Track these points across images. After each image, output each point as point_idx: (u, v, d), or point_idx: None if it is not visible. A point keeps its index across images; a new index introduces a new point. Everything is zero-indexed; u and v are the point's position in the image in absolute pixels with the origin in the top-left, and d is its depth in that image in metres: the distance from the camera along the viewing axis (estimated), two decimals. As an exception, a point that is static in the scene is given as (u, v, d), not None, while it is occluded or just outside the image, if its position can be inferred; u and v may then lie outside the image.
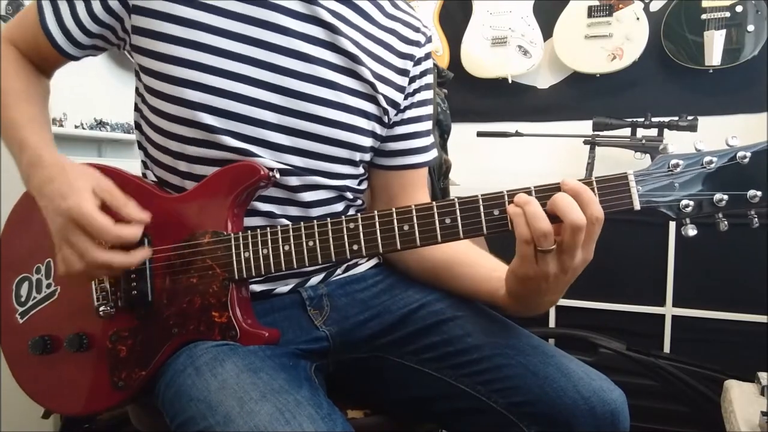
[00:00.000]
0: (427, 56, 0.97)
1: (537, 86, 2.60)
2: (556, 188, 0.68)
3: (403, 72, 0.92)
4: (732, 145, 0.66)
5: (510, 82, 2.53)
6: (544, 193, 0.68)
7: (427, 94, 0.98)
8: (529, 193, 0.69)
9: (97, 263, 0.73)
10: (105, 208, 0.74)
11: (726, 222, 0.67)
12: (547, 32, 2.47)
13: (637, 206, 0.67)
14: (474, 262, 0.87)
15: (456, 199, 0.71)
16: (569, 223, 0.65)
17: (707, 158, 0.66)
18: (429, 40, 0.97)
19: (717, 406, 1.70)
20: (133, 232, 0.74)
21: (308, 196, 0.86)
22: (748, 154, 0.65)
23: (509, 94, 2.59)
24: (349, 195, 0.92)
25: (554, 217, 0.67)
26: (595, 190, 0.67)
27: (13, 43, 0.89)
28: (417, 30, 0.95)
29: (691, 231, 0.68)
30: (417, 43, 0.94)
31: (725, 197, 0.65)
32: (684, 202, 0.67)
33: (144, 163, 0.92)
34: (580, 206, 0.66)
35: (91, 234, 0.72)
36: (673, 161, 0.67)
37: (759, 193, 0.65)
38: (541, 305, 0.77)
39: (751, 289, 1.92)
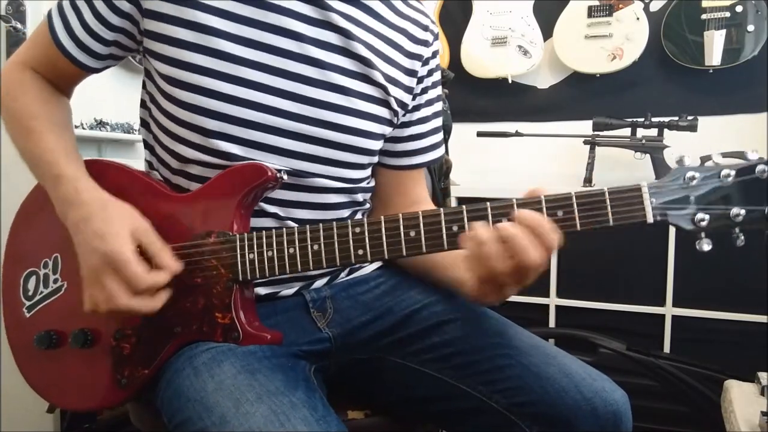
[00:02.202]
0: (434, 54, 0.96)
1: (537, 86, 2.59)
2: (537, 202, 0.67)
3: (411, 72, 0.92)
4: (751, 159, 0.64)
5: (510, 82, 2.53)
6: (528, 207, 0.67)
7: (435, 92, 0.98)
8: (510, 206, 0.67)
9: (122, 309, 0.73)
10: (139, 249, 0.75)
11: (743, 237, 0.65)
12: (547, 32, 2.47)
13: (650, 219, 0.65)
14: (452, 263, 0.85)
15: (464, 208, 0.70)
16: (520, 261, 0.64)
17: (725, 171, 0.64)
18: (436, 37, 0.97)
19: (717, 406, 1.69)
20: (164, 280, 0.75)
21: (318, 199, 0.86)
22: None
23: (509, 94, 2.59)
24: (359, 198, 0.92)
25: None
26: (608, 201, 0.66)
27: (29, 66, 0.87)
28: (426, 29, 0.95)
29: (706, 246, 0.65)
30: (425, 43, 0.94)
31: (742, 212, 0.63)
32: (699, 215, 0.64)
33: (149, 163, 0.91)
34: (537, 242, 0.64)
35: (125, 280, 0.73)
36: (689, 173, 0.65)
37: None
38: (501, 298, 0.75)
39: (751, 289, 1.92)
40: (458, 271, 0.81)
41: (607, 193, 0.66)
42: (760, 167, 0.63)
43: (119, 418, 1.60)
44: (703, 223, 0.65)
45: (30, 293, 0.88)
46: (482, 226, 0.66)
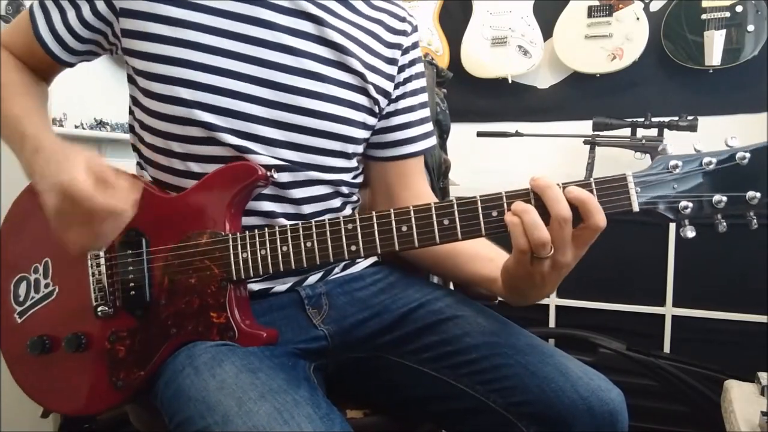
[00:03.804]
0: (415, 45, 0.98)
1: (537, 86, 2.59)
2: (525, 194, 0.69)
3: (391, 61, 0.94)
4: (731, 145, 0.66)
5: (510, 82, 2.53)
6: (517, 199, 0.69)
7: (419, 83, 0.99)
8: (527, 194, 0.69)
9: (102, 215, 0.69)
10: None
11: (725, 223, 0.66)
12: (547, 32, 2.47)
13: (636, 208, 0.67)
14: (474, 254, 0.88)
15: (454, 200, 0.71)
16: (554, 216, 0.66)
17: (706, 159, 0.65)
18: (415, 29, 0.98)
19: (717, 406, 1.69)
20: (125, 206, 0.70)
21: (303, 192, 0.86)
22: (748, 154, 0.64)
23: (509, 94, 2.59)
24: (345, 190, 0.92)
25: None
26: (594, 191, 0.67)
27: (9, 49, 0.89)
28: (403, 20, 0.96)
29: (690, 233, 0.67)
30: (404, 33, 0.96)
31: (724, 199, 0.65)
32: (683, 203, 0.66)
33: (139, 164, 0.92)
34: (583, 215, 0.66)
35: (81, 202, 0.68)
36: (672, 162, 0.66)
37: (758, 195, 0.64)
38: (536, 297, 0.78)
39: (751, 289, 1.92)
40: (483, 266, 0.84)
41: (593, 183, 0.68)
42: (739, 154, 0.65)
43: (119, 418, 1.60)
44: (687, 211, 0.66)
45: (21, 299, 0.88)
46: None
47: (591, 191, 0.67)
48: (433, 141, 1.01)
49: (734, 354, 1.94)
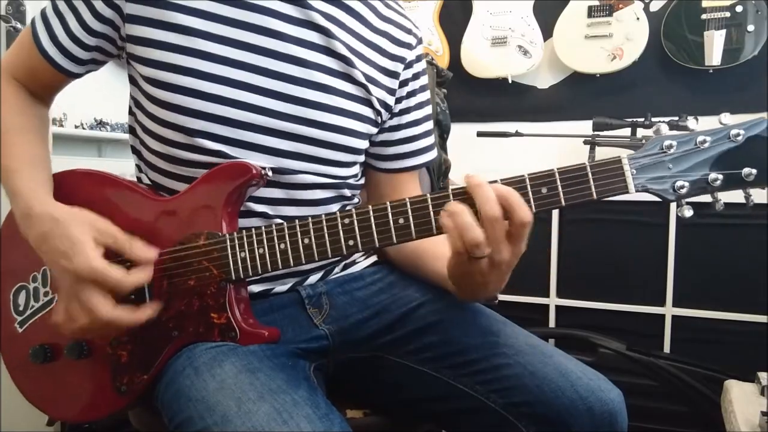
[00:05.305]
0: (419, 58, 0.97)
1: (537, 86, 2.59)
2: (521, 181, 0.68)
3: (392, 74, 0.93)
4: (725, 123, 0.65)
5: (510, 82, 2.53)
6: (511, 186, 0.68)
7: (423, 96, 0.98)
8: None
9: (104, 321, 0.73)
10: (108, 251, 0.75)
11: (722, 202, 0.66)
12: (547, 32, 2.47)
13: (632, 190, 0.66)
14: (436, 254, 0.87)
15: (450, 191, 0.70)
16: (484, 215, 0.66)
17: (701, 138, 0.65)
18: (420, 41, 0.98)
19: (717, 406, 1.70)
20: (147, 275, 0.75)
21: (306, 195, 0.86)
22: (742, 131, 0.64)
23: (509, 94, 2.59)
24: (347, 193, 0.92)
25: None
26: (589, 175, 0.67)
27: (11, 74, 0.88)
28: (409, 32, 0.95)
29: (687, 212, 0.67)
30: (408, 46, 0.95)
31: (720, 176, 0.65)
32: (679, 182, 0.66)
33: (138, 167, 0.92)
34: (507, 210, 0.66)
35: (107, 289, 0.73)
36: (667, 142, 0.66)
37: (754, 171, 0.64)
38: (483, 294, 0.78)
39: (751, 289, 1.92)
40: (443, 264, 0.83)
41: (588, 167, 0.67)
42: (733, 131, 0.64)
43: (119, 418, 1.60)
44: (683, 190, 0.66)
45: (21, 308, 0.87)
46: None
47: (586, 175, 0.67)
48: (434, 153, 1.01)
49: (734, 354, 1.94)
